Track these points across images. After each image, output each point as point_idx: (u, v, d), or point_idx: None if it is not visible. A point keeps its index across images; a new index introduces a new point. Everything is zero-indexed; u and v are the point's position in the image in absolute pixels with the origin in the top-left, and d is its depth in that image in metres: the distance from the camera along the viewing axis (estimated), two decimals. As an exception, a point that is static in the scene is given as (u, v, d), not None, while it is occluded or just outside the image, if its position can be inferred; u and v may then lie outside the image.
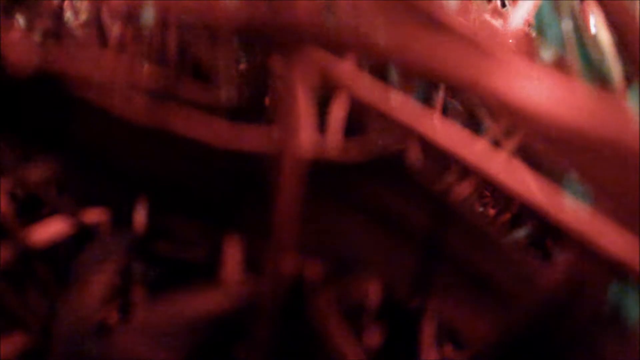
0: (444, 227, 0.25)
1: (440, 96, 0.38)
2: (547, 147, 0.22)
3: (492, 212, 0.42)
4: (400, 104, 0.25)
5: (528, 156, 0.33)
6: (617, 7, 0.29)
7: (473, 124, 0.39)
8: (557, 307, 0.25)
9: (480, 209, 0.41)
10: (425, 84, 0.37)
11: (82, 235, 0.35)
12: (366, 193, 0.26)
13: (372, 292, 0.28)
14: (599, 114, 0.21)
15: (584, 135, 0.21)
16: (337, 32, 0.22)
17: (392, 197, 0.26)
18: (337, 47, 0.27)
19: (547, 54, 0.41)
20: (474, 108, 0.39)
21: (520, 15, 0.39)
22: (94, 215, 0.35)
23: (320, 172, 0.25)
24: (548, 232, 0.39)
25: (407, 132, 0.25)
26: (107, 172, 0.27)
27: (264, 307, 0.25)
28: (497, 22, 0.43)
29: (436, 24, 0.21)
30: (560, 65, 0.41)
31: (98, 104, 0.25)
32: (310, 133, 0.24)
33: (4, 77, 0.24)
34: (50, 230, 0.34)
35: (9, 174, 0.34)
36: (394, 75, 0.34)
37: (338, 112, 0.30)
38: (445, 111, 0.39)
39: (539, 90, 0.21)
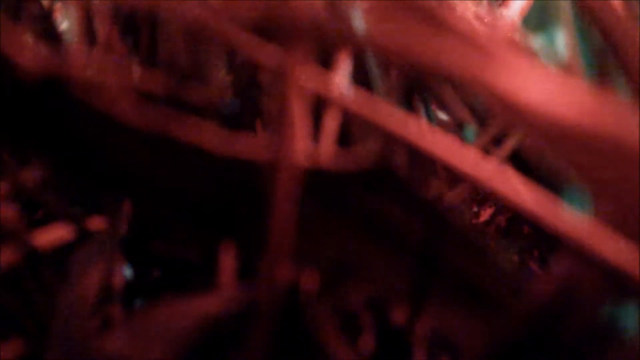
0: (437, 236, 0.25)
1: (424, 106, 0.37)
2: (545, 145, 0.22)
3: (489, 211, 0.42)
4: (388, 113, 0.25)
5: (523, 163, 0.33)
6: (604, 7, 0.29)
7: (460, 134, 0.39)
8: (552, 316, 0.25)
9: (476, 210, 0.41)
10: (409, 93, 0.37)
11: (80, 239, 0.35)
12: (360, 202, 0.25)
13: (366, 300, 0.28)
14: (599, 111, 0.21)
15: (583, 133, 0.21)
16: (336, 29, 0.22)
17: (385, 206, 0.25)
18: (337, 44, 0.27)
19: (539, 53, 0.41)
20: (460, 117, 0.39)
21: (509, 16, 0.39)
22: (96, 222, 0.34)
23: (315, 181, 0.25)
24: (544, 237, 0.39)
25: (396, 141, 0.25)
26: (103, 174, 0.27)
27: (259, 314, 0.25)
28: (486, 21, 0.43)
29: (435, 20, 0.21)
30: (556, 63, 0.41)
31: (95, 106, 0.25)
32: (304, 142, 0.24)
33: (9, 80, 0.24)
34: (52, 235, 0.34)
35: (8, 178, 0.34)
36: (380, 84, 0.34)
37: (331, 122, 0.30)
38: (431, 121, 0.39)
39: (537, 87, 0.20)
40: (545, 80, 0.21)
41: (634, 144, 0.21)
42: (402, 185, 0.25)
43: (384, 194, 0.25)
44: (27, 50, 0.24)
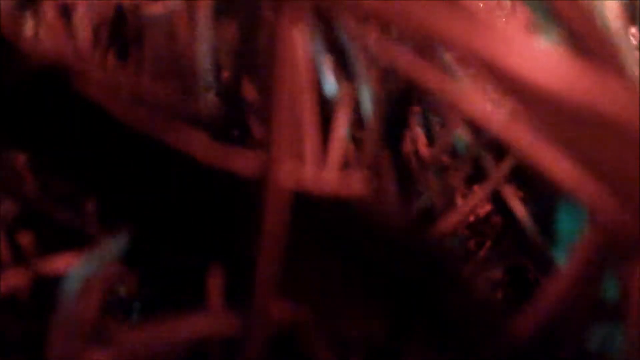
0: (424, 272, 0.25)
1: (418, 116, 0.37)
2: (543, 123, 0.21)
3: (486, 208, 0.41)
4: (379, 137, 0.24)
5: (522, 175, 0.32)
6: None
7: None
8: (540, 344, 0.25)
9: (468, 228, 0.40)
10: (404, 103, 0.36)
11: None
12: (344, 232, 0.25)
13: (355, 333, 0.28)
14: (600, 89, 0.20)
15: (584, 111, 0.20)
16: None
17: (370, 240, 0.25)
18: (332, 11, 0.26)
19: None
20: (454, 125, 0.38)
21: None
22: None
23: (305, 206, 0.25)
24: (530, 260, 0.39)
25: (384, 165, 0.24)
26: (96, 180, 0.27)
27: (248, 337, 0.25)
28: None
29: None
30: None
31: (94, 103, 0.25)
32: (293, 164, 0.24)
33: (15, 73, 0.24)
34: (59, 262, 0.34)
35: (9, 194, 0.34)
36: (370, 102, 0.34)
37: (337, 144, 0.29)
38: (428, 127, 0.38)
39: (539, 63, 0.20)
40: (548, 57, 0.20)
41: (633, 125, 0.21)
42: (389, 219, 0.25)
43: (370, 229, 0.25)
44: (29, 40, 0.24)
